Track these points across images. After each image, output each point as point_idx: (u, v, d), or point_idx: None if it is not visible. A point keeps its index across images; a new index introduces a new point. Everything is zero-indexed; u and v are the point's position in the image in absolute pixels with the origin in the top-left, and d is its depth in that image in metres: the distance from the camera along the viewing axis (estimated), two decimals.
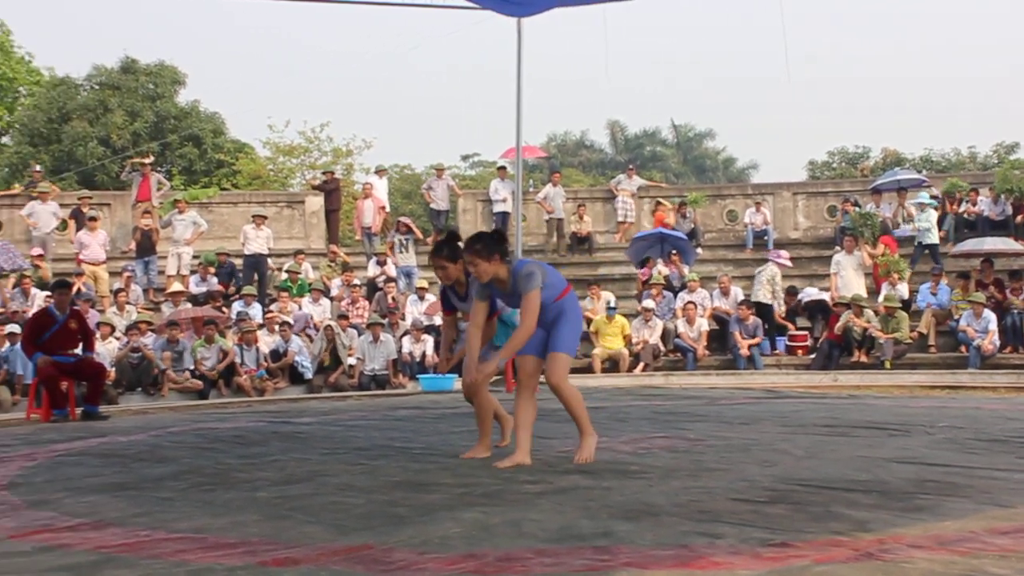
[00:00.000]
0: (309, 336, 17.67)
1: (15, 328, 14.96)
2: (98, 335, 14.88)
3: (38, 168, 23.96)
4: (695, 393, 13.25)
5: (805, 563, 3.50)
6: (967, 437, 7.37)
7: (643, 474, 5.71)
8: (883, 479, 5.37)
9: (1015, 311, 17.29)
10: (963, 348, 17.21)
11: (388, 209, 24.50)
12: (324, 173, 26.74)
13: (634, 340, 18.12)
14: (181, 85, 37.21)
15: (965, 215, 21.71)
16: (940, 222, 21.61)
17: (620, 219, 23.79)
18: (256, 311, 18.26)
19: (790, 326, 18.58)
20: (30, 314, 14.52)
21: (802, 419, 8.92)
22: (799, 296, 19.17)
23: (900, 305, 17.64)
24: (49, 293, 13.39)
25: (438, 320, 16.12)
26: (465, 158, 52.19)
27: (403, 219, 22.00)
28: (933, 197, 21.78)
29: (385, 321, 17.89)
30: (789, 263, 19.09)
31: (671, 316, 18.64)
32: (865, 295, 18.36)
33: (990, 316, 17.13)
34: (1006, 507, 4.55)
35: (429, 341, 17.17)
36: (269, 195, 26.34)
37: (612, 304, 18.67)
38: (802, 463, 6.08)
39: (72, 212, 21.55)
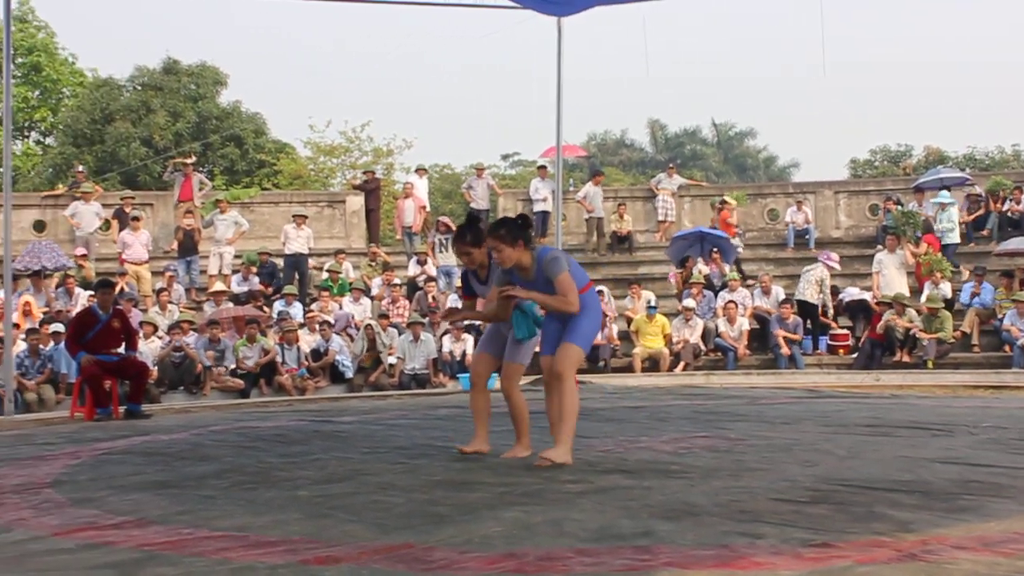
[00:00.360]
0: (350, 335, 17.73)
1: (59, 327, 15.10)
2: (141, 334, 15.01)
3: (81, 168, 24.10)
4: (736, 392, 13.16)
5: (847, 564, 3.48)
6: (1011, 437, 7.29)
7: (684, 474, 5.70)
8: (926, 479, 5.33)
9: None
10: (1007, 347, 17.03)
11: (428, 208, 24.54)
12: (365, 173, 26.80)
13: (675, 339, 18.05)
14: (223, 86, 37.34)
15: (1009, 213, 21.46)
16: (984, 220, 21.43)
17: (660, 218, 23.68)
18: (297, 310, 18.35)
19: (833, 324, 18.47)
20: (74, 313, 14.69)
21: (844, 419, 8.85)
22: (840, 296, 19.04)
23: (943, 304, 17.48)
24: (92, 292, 13.49)
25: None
26: (505, 157, 52.18)
27: (443, 218, 22.04)
28: (976, 195, 21.60)
29: (425, 320, 17.92)
30: (838, 266, 18.94)
31: (712, 315, 18.57)
32: (907, 294, 18.20)
33: None
34: None
35: (469, 340, 17.17)
36: (310, 195, 26.43)
37: (653, 303, 18.62)
38: (844, 463, 6.05)
39: (115, 212, 21.69)
